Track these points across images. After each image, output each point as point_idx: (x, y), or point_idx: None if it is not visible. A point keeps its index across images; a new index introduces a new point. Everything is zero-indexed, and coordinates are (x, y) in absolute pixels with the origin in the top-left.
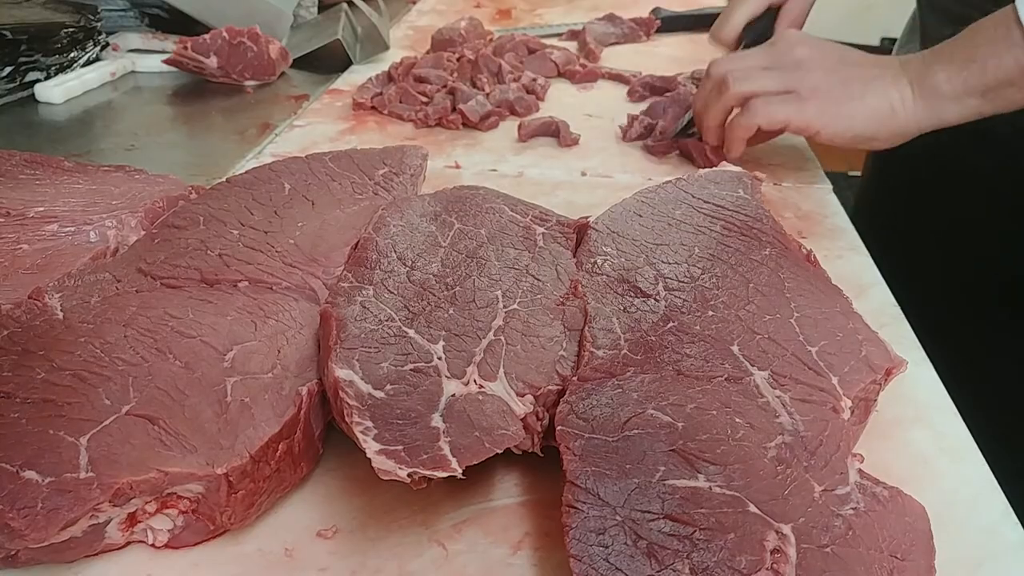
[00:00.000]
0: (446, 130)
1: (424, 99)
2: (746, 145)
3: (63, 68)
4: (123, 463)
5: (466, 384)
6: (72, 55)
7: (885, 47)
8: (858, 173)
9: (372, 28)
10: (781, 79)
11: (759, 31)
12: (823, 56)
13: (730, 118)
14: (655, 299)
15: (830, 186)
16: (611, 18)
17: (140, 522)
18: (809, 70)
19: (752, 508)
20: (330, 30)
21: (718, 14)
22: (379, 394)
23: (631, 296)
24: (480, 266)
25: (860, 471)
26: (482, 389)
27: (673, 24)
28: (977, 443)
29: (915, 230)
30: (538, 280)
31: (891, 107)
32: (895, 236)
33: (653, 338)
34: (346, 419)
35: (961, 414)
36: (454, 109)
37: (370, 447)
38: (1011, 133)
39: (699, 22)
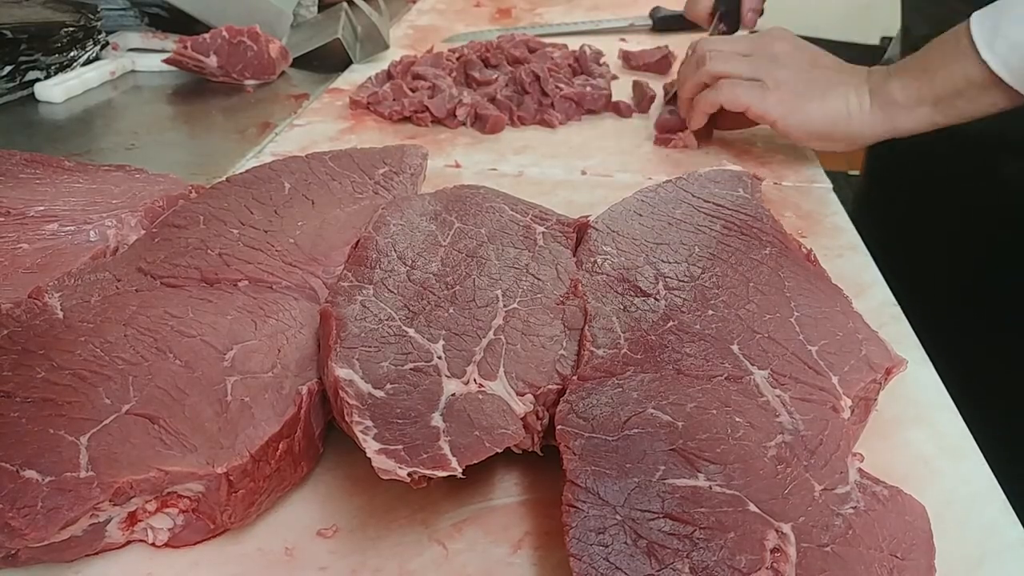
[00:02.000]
0: (446, 129)
1: (411, 95)
2: (715, 127)
3: (63, 67)
4: (123, 462)
5: (466, 383)
6: (72, 54)
7: (884, 46)
8: (858, 172)
9: (372, 27)
10: (753, 67)
11: (730, 4)
12: (798, 54)
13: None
14: (655, 298)
15: (830, 185)
16: None
17: (140, 521)
18: (782, 65)
19: (752, 507)
20: (330, 29)
21: None
22: (379, 393)
23: (631, 295)
24: (480, 265)
25: (860, 470)
26: (482, 388)
27: (672, 24)
28: (977, 442)
29: (913, 229)
30: (538, 279)
31: (848, 111)
32: (893, 235)
33: (653, 337)
34: (346, 418)
35: (961, 413)
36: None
37: (370, 446)
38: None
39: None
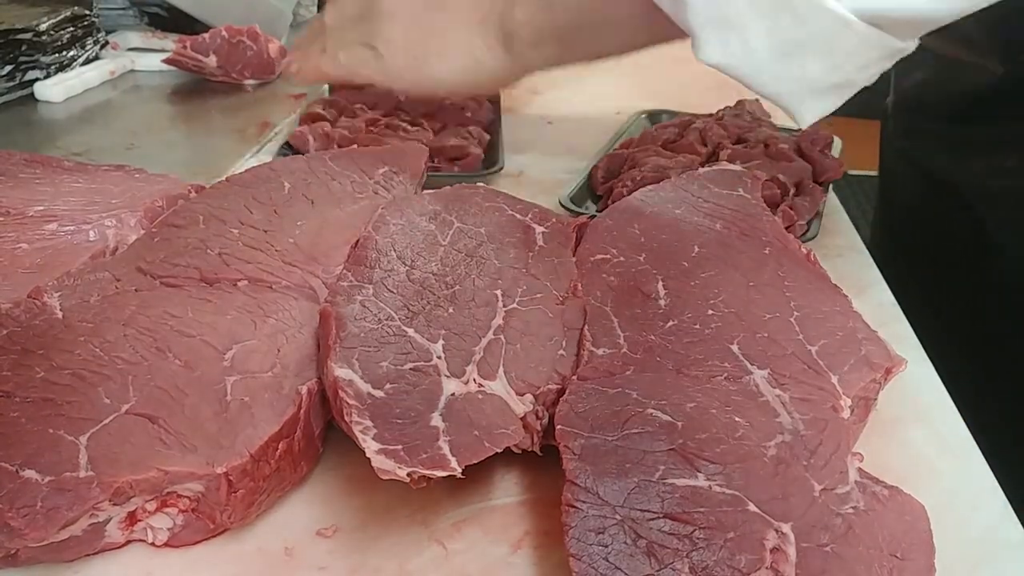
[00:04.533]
0: None
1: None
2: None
3: (63, 67)
4: (123, 462)
5: (466, 383)
6: (71, 54)
7: None
8: (859, 172)
9: None
10: (363, 33)
11: None
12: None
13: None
14: (655, 298)
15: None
16: None
17: (140, 521)
18: (393, 19)
19: (752, 507)
20: None
21: None
22: (378, 393)
23: (631, 295)
24: (480, 265)
25: (860, 470)
26: (482, 388)
27: None
28: (977, 442)
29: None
30: (538, 279)
31: (475, 58)
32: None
33: (653, 337)
34: (345, 418)
35: (961, 413)
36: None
37: (369, 446)
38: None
39: None
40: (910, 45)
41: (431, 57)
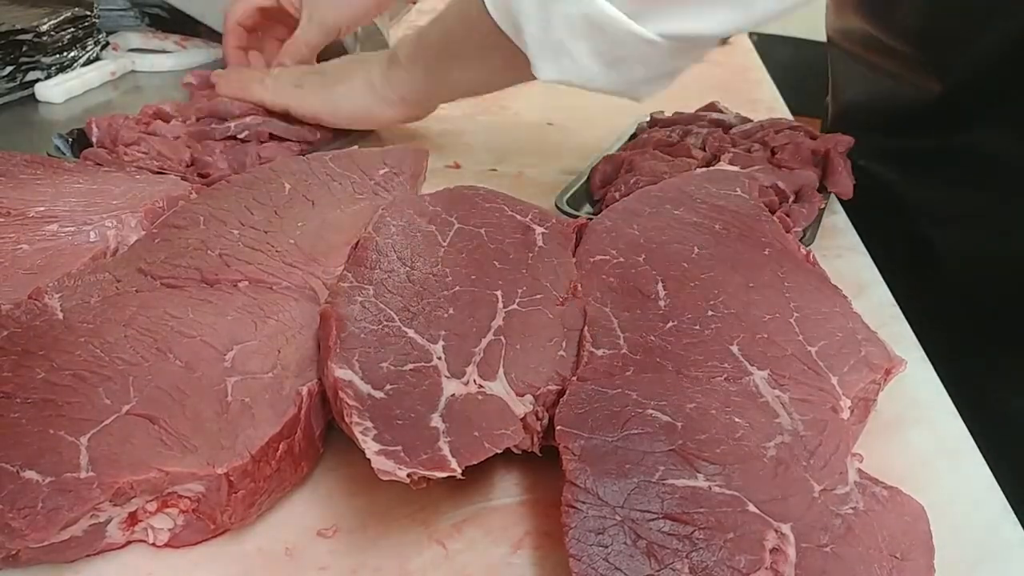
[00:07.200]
0: (446, 129)
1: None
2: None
3: (63, 68)
4: (124, 463)
5: (466, 384)
6: (72, 54)
7: None
8: None
9: (372, 27)
10: (299, 74)
11: None
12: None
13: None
14: (655, 299)
15: None
16: None
17: (141, 521)
18: (323, 71)
19: (751, 507)
20: None
21: None
22: (379, 394)
23: (630, 296)
24: (480, 266)
25: (859, 470)
26: (482, 389)
27: None
28: (977, 442)
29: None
30: (538, 280)
31: (371, 84)
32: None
33: (653, 338)
34: (346, 419)
35: (960, 413)
36: None
37: (369, 447)
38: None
39: None
40: (710, 48)
41: (340, 84)
